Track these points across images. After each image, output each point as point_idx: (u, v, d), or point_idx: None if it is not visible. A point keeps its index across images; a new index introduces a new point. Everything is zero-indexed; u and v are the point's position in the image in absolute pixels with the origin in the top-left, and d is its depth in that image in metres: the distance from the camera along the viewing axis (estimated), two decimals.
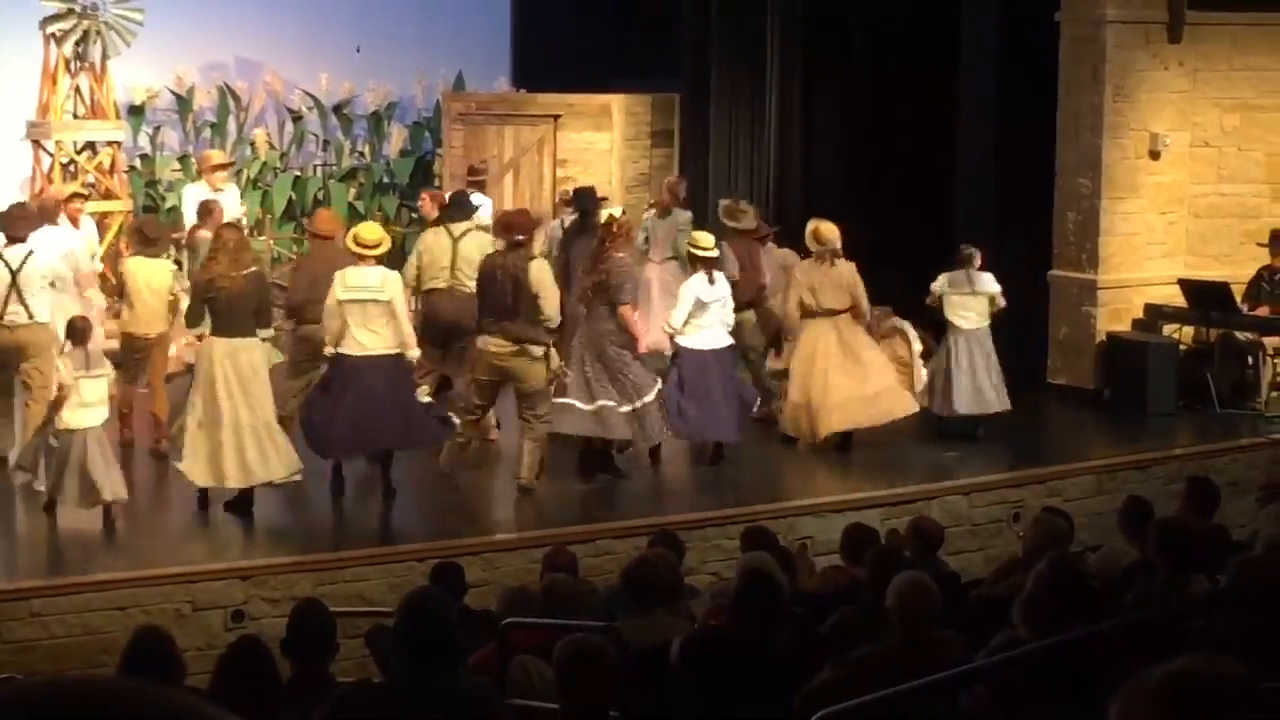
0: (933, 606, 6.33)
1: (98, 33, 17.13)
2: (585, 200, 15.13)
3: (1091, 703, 5.24)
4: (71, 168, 17.36)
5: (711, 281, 13.20)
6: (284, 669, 7.21)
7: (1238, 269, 15.95)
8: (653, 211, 16.48)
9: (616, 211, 14.07)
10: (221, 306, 11.60)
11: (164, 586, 10.40)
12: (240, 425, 11.47)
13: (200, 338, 11.99)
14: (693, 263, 13.46)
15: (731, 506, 12.39)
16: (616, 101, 19.61)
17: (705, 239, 13.56)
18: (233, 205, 16.12)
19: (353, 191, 20.97)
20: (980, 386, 14.28)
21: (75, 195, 15.27)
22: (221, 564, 10.83)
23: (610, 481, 12.93)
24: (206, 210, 14.77)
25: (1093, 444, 14.81)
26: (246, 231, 14.71)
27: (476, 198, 15.25)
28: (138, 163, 19.83)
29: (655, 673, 6.37)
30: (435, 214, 14.27)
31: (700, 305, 13.16)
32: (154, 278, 13.09)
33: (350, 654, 9.14)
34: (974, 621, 6.86)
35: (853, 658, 6.12)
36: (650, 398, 12.76)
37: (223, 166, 16.35)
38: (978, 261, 14.36)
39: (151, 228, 13.89)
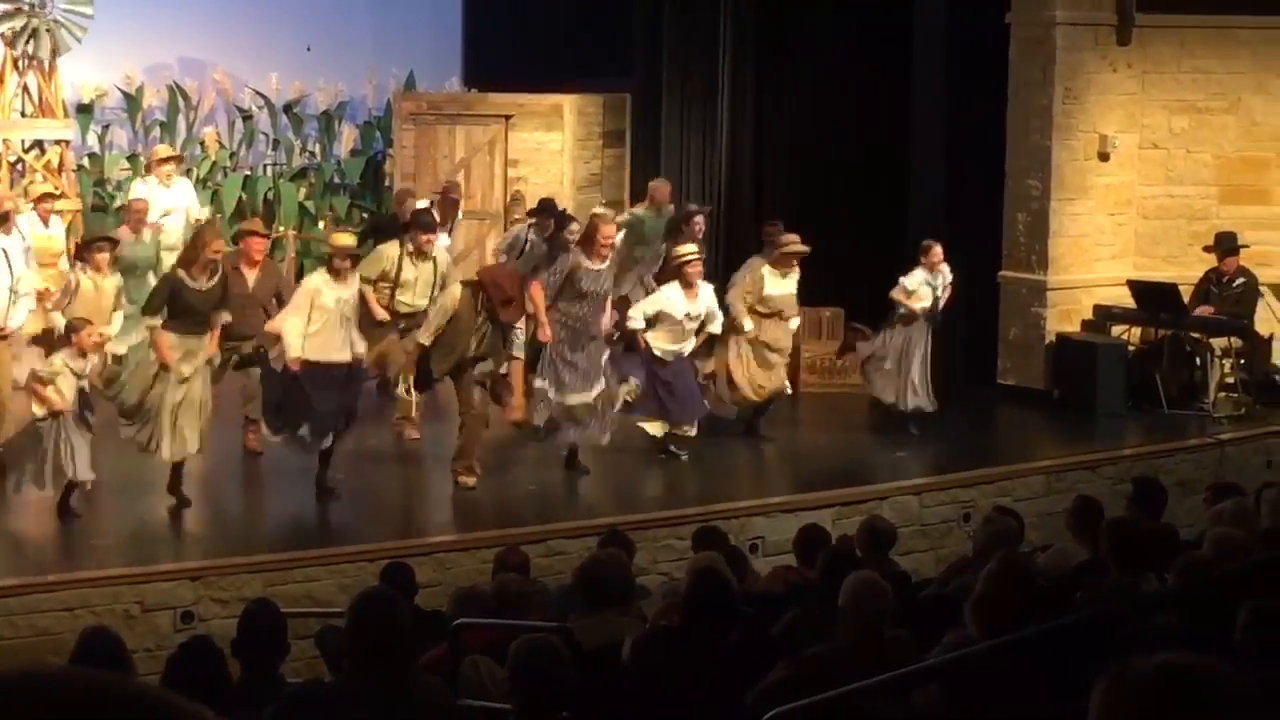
0: (884, 606, 6.34)
1: (46, 30, 17.00)
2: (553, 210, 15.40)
3: (1042, 701, 5.26)
4: (19, 166, 17.23)
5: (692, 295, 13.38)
6: (234, 670, 7.19)
7: (1186, 270, 16.04)
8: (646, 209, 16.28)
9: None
10: (189, 309, 11.65)
11: (113, 587, 10.34)
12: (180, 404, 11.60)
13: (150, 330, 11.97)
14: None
15: (683, 507, 12.39)
16: (568, 102, 19.59)
17: (685, 247, 13.67)
18: (187, 201, 16.01)
19: (303, 191, 20.88)
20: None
21: (46, 195, 15.19)
22: (171, 564, 10.77)
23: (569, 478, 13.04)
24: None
25: (1042, 444, 14.88)
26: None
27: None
28: (86, 161, 19.70)
29: (607, 672, 6.37)
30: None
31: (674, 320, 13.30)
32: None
33: (300, 655, 9.11)
34: (925, 621, 6.87)
35: (804, 657, 6.13)
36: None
37: (171, 160, 16.25)
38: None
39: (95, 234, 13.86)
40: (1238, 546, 7.44)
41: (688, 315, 13.27)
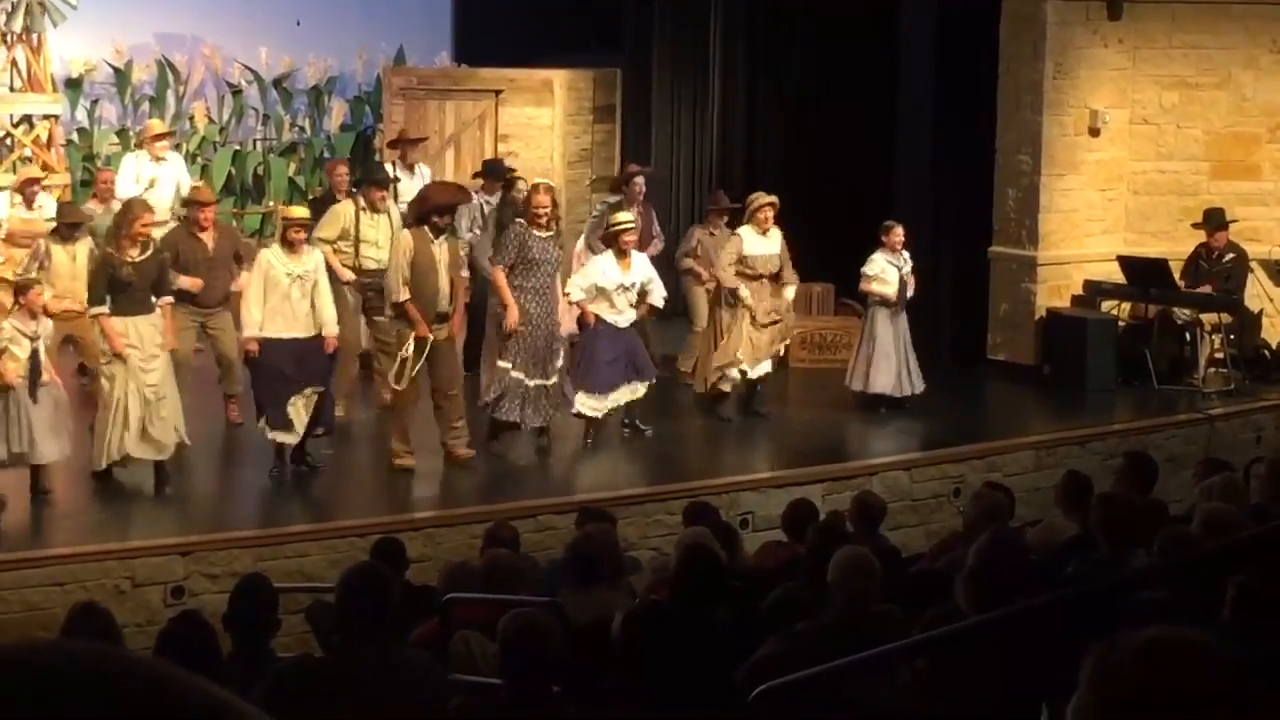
0: (873, 581, 6.36)
1: (35, 5, 16.96)
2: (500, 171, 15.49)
3: (1031, 676, 5.28)
4: (8, 141, 17.20)
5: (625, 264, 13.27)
6: (225, 644, 7.20)
7: (1176, 246, 16.04)
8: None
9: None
10: (126, 286, 11.53)
11: (103, 562, 10.34)
12: (139, 401, 11.47)
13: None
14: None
15: (673, 482, 12.40)
16: (558, 77, 19.55)
17: (621, 215, 13.57)
18: (177, 175, 15.96)
19: (293, 166, 20.86)
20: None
21: (31, 179, 15.09)
22: (161, 540, 10.76)
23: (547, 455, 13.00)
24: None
25: (1032, 419, 14.89)
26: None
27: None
28: (75, 136, 19.68)
29: (597, 647, 6.37)
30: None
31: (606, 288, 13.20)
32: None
33: (291, 630, 9.12)
34: (914, 596, 6.89)
35: (794, 632, 6.14)
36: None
37: (163, 136, 16.19)
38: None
39: (71, 214, 13.70)
40: (1227, 522, 7.45)
41: (620, 286, 13.16)
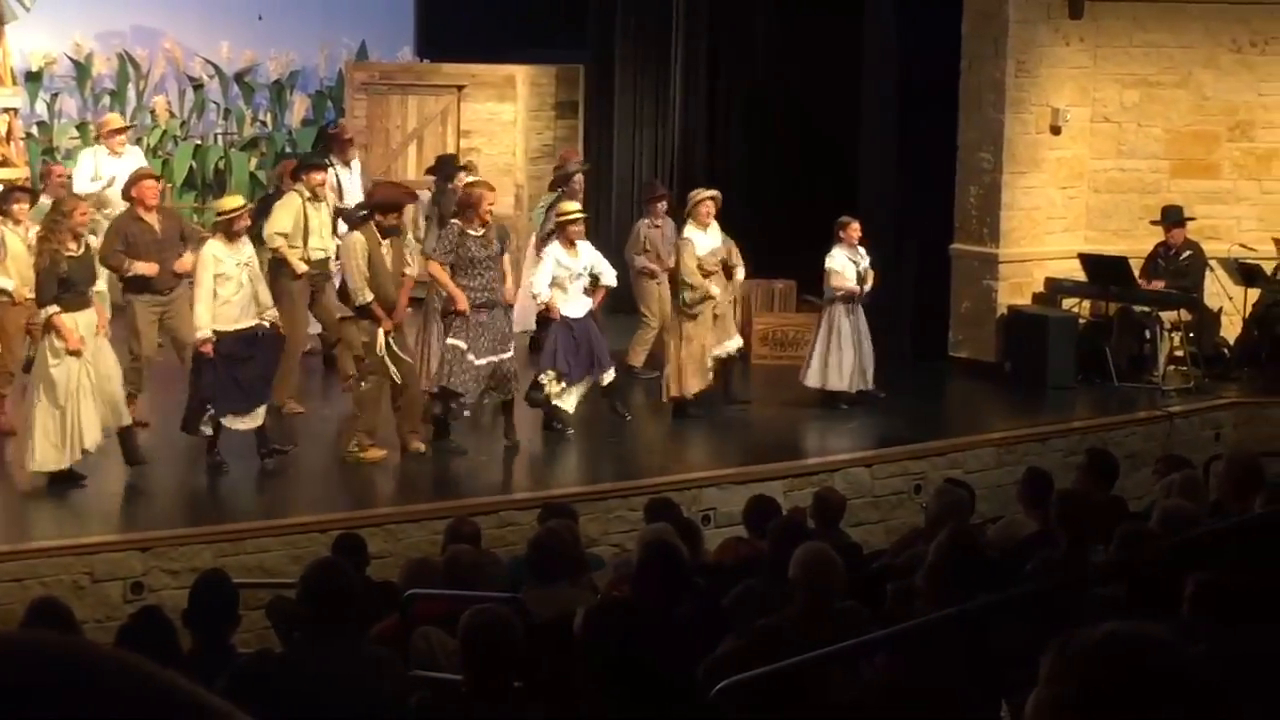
0: (835, 577, 6.37)
1: None
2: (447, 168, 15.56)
3: (991, 671, 5.29)
4: None
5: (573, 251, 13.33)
6: (185, 640, 7.18)
7: (1137, 244, 16.11)
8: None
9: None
10: (67, 281, 11.42)
11: (61, 558, 10.28)
12: (92, 390, 11.39)
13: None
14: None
15: (635, 478, 12.40)
16: (521, 72, 19.53)
17: (569, 205, 13.65)
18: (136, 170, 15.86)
19: (254, 161, 20.80)
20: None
21: None
22: (120, 535, 10.72)
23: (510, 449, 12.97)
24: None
25: (993, 416, 14.93)
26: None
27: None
28: (35, 130, 19.58)
29: (559, 643, 6.38)
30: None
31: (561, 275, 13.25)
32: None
33: (252, 625, 9.10)
34: (876, 592, 6.91)
35: (755, 628, 6.15)
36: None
37: (120, 131, 16.06)
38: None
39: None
40: (1187, 518, 7.49)
41: (573, 273, 13.24)
